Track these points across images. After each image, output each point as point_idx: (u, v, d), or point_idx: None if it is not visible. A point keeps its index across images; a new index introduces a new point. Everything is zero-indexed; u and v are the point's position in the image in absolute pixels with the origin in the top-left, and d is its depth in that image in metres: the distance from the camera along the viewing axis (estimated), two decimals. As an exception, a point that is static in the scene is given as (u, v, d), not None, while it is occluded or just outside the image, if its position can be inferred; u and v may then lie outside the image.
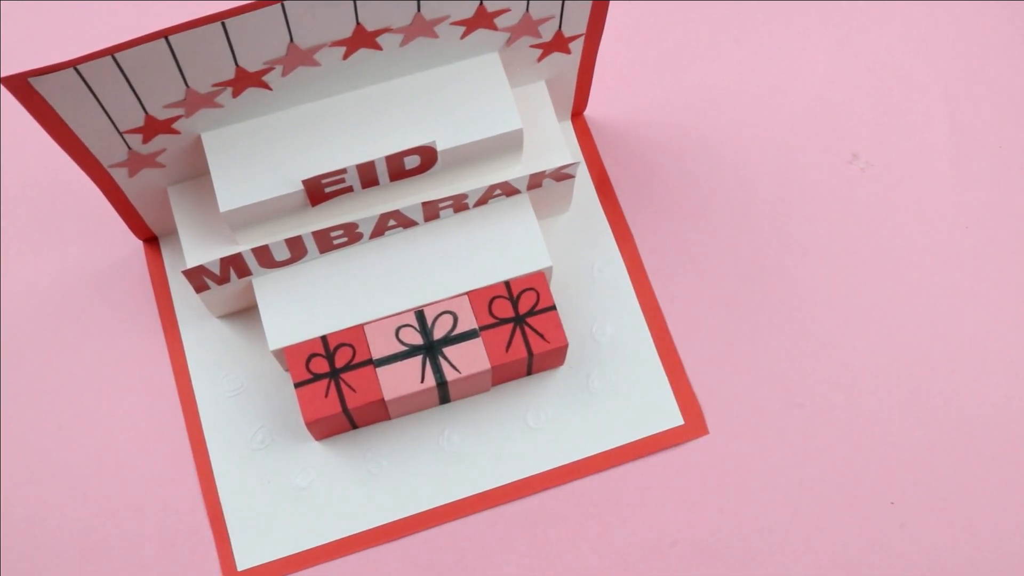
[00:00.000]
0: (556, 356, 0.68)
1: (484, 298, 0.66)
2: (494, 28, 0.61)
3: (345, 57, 0.60)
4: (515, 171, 0.67)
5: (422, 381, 0.64)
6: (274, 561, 0.68)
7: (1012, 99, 0.78)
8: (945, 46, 0.80)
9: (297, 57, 0.58)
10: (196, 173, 0.66)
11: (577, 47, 0.67)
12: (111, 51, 0.52)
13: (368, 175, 0.63)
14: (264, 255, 0.64)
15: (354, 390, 0.64)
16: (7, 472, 0.70)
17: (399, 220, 0.65)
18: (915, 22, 0.81)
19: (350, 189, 0.64)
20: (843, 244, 0.75)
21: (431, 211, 0.65)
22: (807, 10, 0.81)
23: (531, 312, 0.65)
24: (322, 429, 0.67)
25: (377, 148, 0.62)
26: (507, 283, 0.66)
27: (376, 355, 0.64)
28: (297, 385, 0.64)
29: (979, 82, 0.79)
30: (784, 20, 0.81)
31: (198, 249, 0.65)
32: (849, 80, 0.79)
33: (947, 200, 0.76)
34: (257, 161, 0.62)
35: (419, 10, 0.58)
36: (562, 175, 0.67)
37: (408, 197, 0.66)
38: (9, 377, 0.72)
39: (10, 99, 0.72)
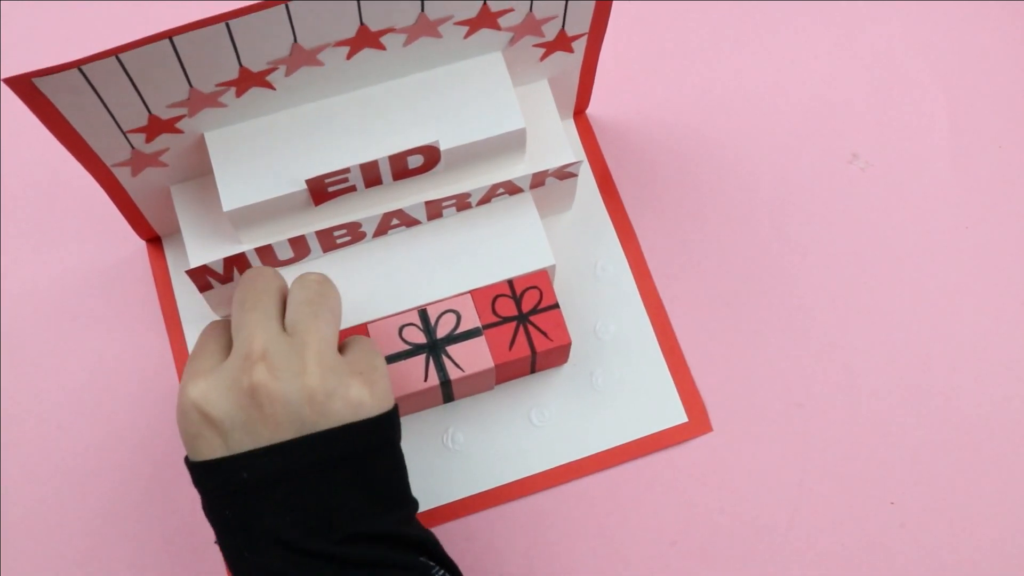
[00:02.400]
0: (559, 354, 0.68)
1: (487, 297, 0.66)
2: (497, 28, 0.62)
3: (349, 57, 0.60)
4: (518, 170, 0.67)
5: (425, 380, 0.64)
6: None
7: (1012, 99, 0.79)
8: (945, 46, 0.80)
9: (301, 57, 0.58)
10: (199, 172, 0.66)
11: (580, 46, 0.67)
12: (115, 52, 0.52)
13: (371, 174, 0.63)
14: (267, 254, 0.64)
15: (357, 389, 0.64)
16: (7, 472, 0.69)
17: (402, 219, 0.65)
18: (915, 22, 0.81)
19: (353, 188, 0.64)
20: (843, 244, 0.75)
21: (434, 210, 0.66)
22: (807, 10, 0.81)
23: (534, 310, 0.66)
24: (325, 428, 0.67)
25: (380, 148, 0.62)
26: (510, 282, 0.66)
27: (380, 354, 0.64)
28: (300, 384, 0.64)
29: (979, 82, 0.79)
30: (784, 20, 0.81)
31: (201, 248, 0.65)
32: (849, 80, 0.79)
33: (947, 200, 0.76)
34: (260, 161, 0.62)
35: (423, 10, 0.58)
36: (565, 174, 0.68)
37: (411, 196, 0.66)
38: (9, 377, 0.72)
39: (11, 99, 0.72)
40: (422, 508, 0.68)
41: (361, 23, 0.57)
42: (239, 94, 0.59)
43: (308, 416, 0.52)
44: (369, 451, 0.53)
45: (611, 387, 0.71)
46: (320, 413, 0.52)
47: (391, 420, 0.55)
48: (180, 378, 0.71)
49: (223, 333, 0.56)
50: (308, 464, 0.52)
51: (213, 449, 0.52)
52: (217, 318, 0.72)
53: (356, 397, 0.53)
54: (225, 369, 0.53)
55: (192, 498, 0.69)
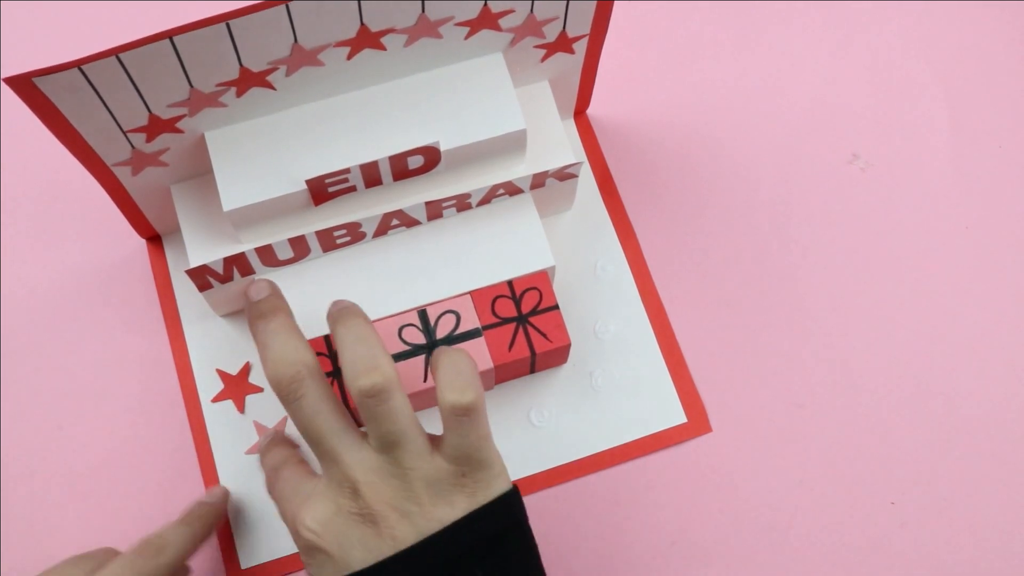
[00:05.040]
0: (559, 355, 0.68)
1: (487, 298, 0.66)
2: (498, 29, 0.62)
3: (349, 57, 0.60)
4: (518, 171, 0.67)
5: (425, 380, 0.64)
6: (278, 559, 0.68)
7: (1012, 99, 0.79)
8: (945, 46, 0.80)
9: (301, 57, 0.58)
10: (199, 172, 0.66)
11: (581, 47, 0.67)
12: (116, 51, 0.52)
13: (371, 175, 0.63)
14: (267, 254, 0.64)
15: (357, 389, 0.64)
16: (7, 472, 0.69)
17: (402, 220, 0.65)
18: (915, 22, 0.81)
19: (353, 189, 0.64)
20: (843, 244, 0.75)
21: (434, 211, 0.66)
22: (807, 10, 0.81)
23: (534, 311, 0.66)
24: (325, 428, 0.67)
25: (381, 148, 0.62)
26: (510, 283, 0.66)
27: (379, 354, 0.64)
28: (301, 384, 0.64)
29: (979, 82, 0.79)
30: (784, 20, 0.81)
31: (201, 248, 0.65)
32: (849, 80, 0.79)
33: (947, 200, 0.76)
34: (260, 160, 0.62)
35: (423, 11, 0.58)
36: (565, 175, 0.68)
37: (411, 197, 0.66)
38: (9, 376, 0.72)
39: (11, 99, 0.72)
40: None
41: (362, 23, 0.57)
42: (239, 94, 0.59)
43: (423, 524, 0.53)
44: (497, 536, 0.54)
45: (610, 387, 0.71)
46: (435, 519, 0.53)
47: (509, 502, 0.55)
48: (180, 377, 0.71)
49: (296, 461, 0.58)
50: (438, 563, 0.53)
51: (338, 570, 0.53)
52: (217, 317, 0.72)
53: (464, 504, 0.54)
54: (325, 495, 0.54)
55: (191, 498, 0.69)
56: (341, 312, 0.57)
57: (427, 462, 0.53)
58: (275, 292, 0.60)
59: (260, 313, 0.58)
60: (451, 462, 0.53)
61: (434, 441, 0.55)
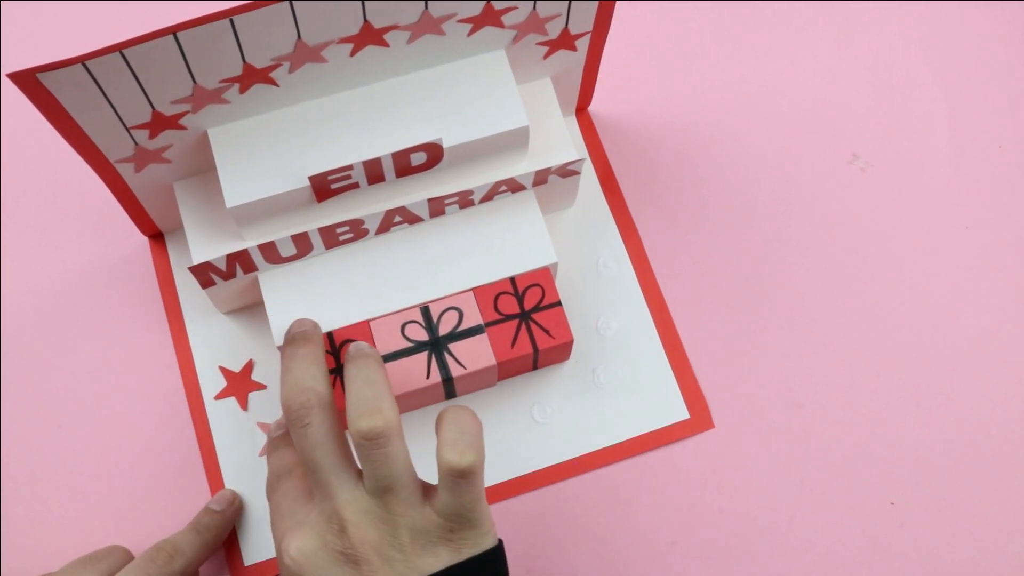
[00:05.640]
0: (561, 352, 0.68)
1: (489, 294, 0.66)
2: (501, 26, 0.62)
3: (352, 54, 0.60)
4: (521, 167, 0.67)
5: (428, 377, 0.64)
6: (279, 557, 0.68)
7: (1012, 99, 0.79)
8: (945, 46, 0.80)
9: (304, 54, 0.58)
10: (202, 169, 0.66)
11: (583, 44, 0.67)
12: (119, 47, 0.52)
13: (374, 171, 0.63)
14: (270, 251, 0.64)
15: (360, 386, 0.64)
16: (7, 472, 0.69)
17: (405, 216, 0.65)
18: (915, 22, 0.81)
19: (356, 185, 0.64)
20: (843, 244, 0.75)
21: (437, 207, 0.66)
22: (808, 10, 0.81)
23: (536, 308, 0.66)
24: (327, 425, 0.67)
25: (383, 145, 0.62)
26: (512, 279, 0.66)
27: (382, 351, 0.64)
28: (303, 381, 0.64)
29: (979, 82, 0.79)
30: (785, 20, 0.81)
31: (204, 245, 0.65)
32: (849, 80, 0.79)
33: (947, 200, 0.76)
34: (263, 157, 0.62)
35: (427, 8, 0.58)
36: (567, 171, 0.68)
37: (414, 193, 0.66)
38: (10, 374, 0.71)
39: (12, 95, 0.72)
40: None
41: (365, 20, 0.57)
42: (243, 90, 0.60)
43: (404, 572, 0.53)
44: None
45: (613, 384, 0.71)
46: (417, 568, 0.53)
47: (492, 559, 0.55)
48: (183, 374, 0.71)
49: (300, 474, 0.58)
50: None
51: None
52: (220, 315, 0.72)
53: (448, 557, 0.54)
54: (314, 527, 0.54)
55: (194, 497, 0.69)
56: (356, 352, 0.58)
57: (417, 511, 0.54)
58: (315, 327, 0.62)
59: (292, 339, 0.60)
60: (441, 516, 0.54)
61: (427, 490, 0.55)
